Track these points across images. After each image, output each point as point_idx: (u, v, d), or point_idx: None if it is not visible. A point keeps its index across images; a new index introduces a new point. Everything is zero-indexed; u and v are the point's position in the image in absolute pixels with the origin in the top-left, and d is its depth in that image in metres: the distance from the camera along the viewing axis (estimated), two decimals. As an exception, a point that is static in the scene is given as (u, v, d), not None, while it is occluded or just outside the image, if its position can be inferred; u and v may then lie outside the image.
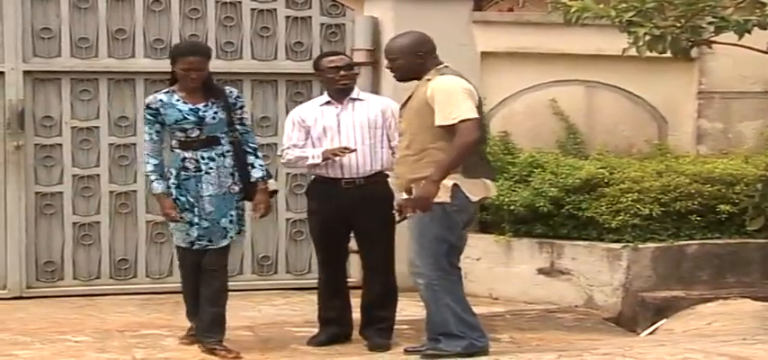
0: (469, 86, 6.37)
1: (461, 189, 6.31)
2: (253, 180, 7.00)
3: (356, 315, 7.42)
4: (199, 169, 6.86)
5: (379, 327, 7.29)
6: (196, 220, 6.85)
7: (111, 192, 9.17)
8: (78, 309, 8.61)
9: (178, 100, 6.86)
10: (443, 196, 6.29)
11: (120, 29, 9.13)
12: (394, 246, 7.33)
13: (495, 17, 9.73)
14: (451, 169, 6.30)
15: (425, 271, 6.39)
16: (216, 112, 6.86)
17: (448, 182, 6.28)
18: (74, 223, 9.13)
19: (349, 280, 7.65)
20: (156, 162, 6.92)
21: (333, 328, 7.39)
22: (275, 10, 9.39)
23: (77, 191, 9.13)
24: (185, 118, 6.82)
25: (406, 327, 7.72)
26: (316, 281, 7.58)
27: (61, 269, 9.13)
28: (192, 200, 6.86)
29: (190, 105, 6.84)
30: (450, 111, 6.25)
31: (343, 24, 9.50)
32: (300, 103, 8.61)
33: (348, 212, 7.17)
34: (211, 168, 6.86)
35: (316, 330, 7.43)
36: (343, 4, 9.51)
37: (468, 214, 6.46)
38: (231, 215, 6.94)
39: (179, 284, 9.09)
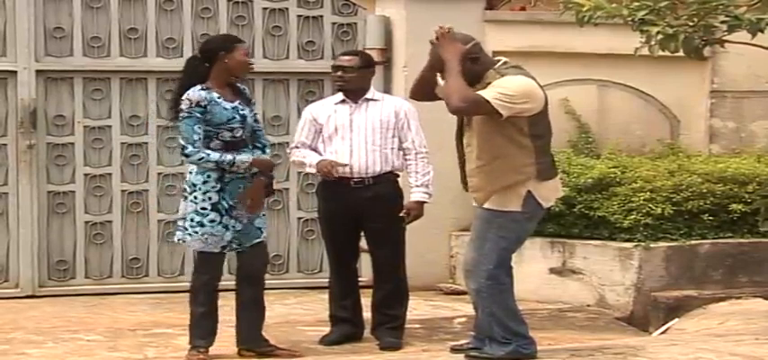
0: (528, 86, 6.11)
1: (535, 196, 6.15)
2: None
3: (368, 314, 7.42)
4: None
5: (390, 326, 7.29)
6: (232, 222, 6.71)
7: (123, 191, 9.19)
8: (90, 308, 8.62)
9: (219, 98, 6.67)
10: (514, 205, 6.14)
11: (132, 28, 9.15)
12: (404, 245, 7.33)
13: (508, 16, 9.72)
14: (449, 72, 6.10)
15: (478, 277, 6.25)
16: (252, 111, 6.85)
17: (521, 189, 6.13)
18: (86, 222, 9.15)
19: (360, 279, 7.65)
20: (216, 153, 6.60)
21: (344, 328, 7.39)
22: (287, 9, 9.39)
23: (89, 190, 9.15)
24: (233, 117, 6.68)
25: (417, 326, 7.73)
26: (327, 280, 7.59)
27: (73, 268, 9.15)
28: (231, 202, 6.69)
29: (232, 104, 6.70)
30: (496, 93, 5.98)
31: (355, 23, 9.50)
32: (312, 102, 8.63)
33: (357, 212, 7.18)
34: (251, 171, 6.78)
35: (327, 329, 7.43)
36: (354, 4, 9.51)
37: (538, 219, 6.34)
38: (260, 215, 6.91)
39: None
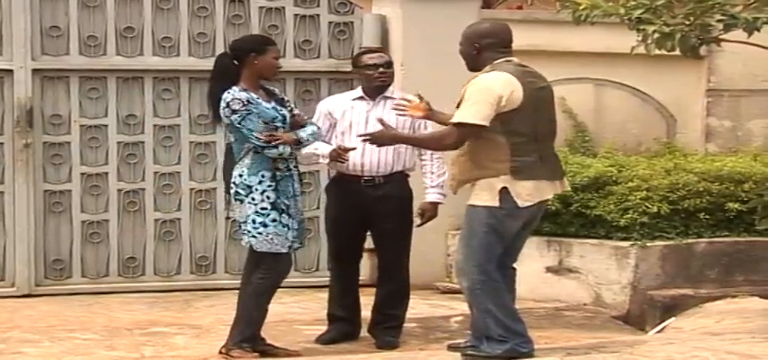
0: (501, 87, 6.11)
1: (510, 193, 6.14)
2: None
3: (364, 313, 7.41)
4: (288, 169, 6.74)
5: (389, 325, 7.29)
6: (291, 221, 6.72)
7: (119, 190, 9.18)
8: (87, 307, 8.61)
9: (259, 99, 6.69)
10: (491, 200, 6.15)
11: (129, 27, 9.14)
12: (410, 245, 7.32)
13: (504, 15, 9.69)
14: (412, 144, 6.64)
15: (469, 274, 6.27)
16: (289, 110, 6.87)
17: (497, 184, 6.13)
18: (82, 221, 9.14)
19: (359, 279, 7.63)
20: (278, 145, 6.65)
21: (341, 327, 7.37)
22: (283, 8, 9.39)
23: (86, 189, 9.14)
24: (277, 116, 6.71)
25: (414, 325, 7.73)
26: (324, 278, 7.58)
27: (70, 267, 9.13)
28: (287, 201, 6.71)
29: (270, 104, 6.73)
30: (459, 110, 6.16)
31: (352, 22, 9.50)
32: (308, 101, 8.64)
33: (366, 210, 7.15)
34: (295, 167, 6.82)
35: (325, 328, 7.42)
36: (351, 3, 9.51)
37: (522, 218, 6.26)
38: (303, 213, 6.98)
39: (187, 283, 9.21)
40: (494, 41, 6.37)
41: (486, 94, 6.11)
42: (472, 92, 6.15)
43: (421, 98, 6.80)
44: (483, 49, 6.34)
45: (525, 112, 6.16)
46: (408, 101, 6.84)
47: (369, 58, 7.28)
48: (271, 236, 6.67)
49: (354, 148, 7.03)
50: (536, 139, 6.25)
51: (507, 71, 6.21)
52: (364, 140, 6.68)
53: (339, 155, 7.02)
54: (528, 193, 6.19)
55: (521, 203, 6.17)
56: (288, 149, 6.67)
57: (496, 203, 6.15)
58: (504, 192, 6.14)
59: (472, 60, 6.38)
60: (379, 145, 6.74)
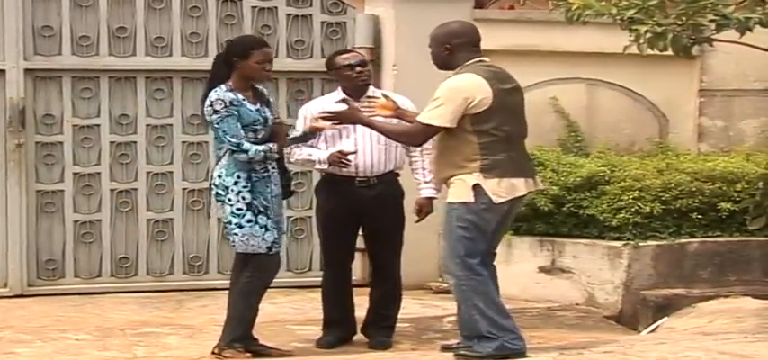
0: (469, 89, 6.21)
1: (483, 189, 6.21)
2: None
3: (358, 314, 7.40)
4: (266, 170, 6.71)
5: (382, 325, 7.27)
6: (271, 223, 6.70)
7: (111, 190, 9.17)
8: (79, 307, 8.60)
9: (244, 99, 6.67)
10: (466, 196, 6.22)
11: (121, 27, 9.13)
12: (402, 245, 7.31)
13: (497, 15, 9.73)
14: (379, 131, 6.64)
15: (454, 270, 6.32)
16: (272, 112, 6.85)
17: (470, 181, 6.21)
18: (75, 221, 9.13)
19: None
20: (260, 146, 6.61)
21: (338, 331, 7.32)
22: (276, 8, 9.38)
23: (78, 189, 9.13)
24: (257, 120, 6.69)
25: (407, 325, 7.72)
26: (316, 278, 7.56)
27: (62, 267, 9.13)
28: (265, 203, 6.69)
29: (255, 106, 6.71)
30: (427, 110, 6.29)
31: (344, 22, 9.50)
32: (301, 101, 8.62)
33: (359, 211, 7.12)
34: (274, 168, 6.78)
35: (317, 328, 7.40)
36: (343, 2, 9.50)
37: (498, 213, 6.31)
38: (283, 214, 6.97)
39: (180, 283, 9.21)
40: (464, 41, 6.46)
41: (454, 95, 6.23)
42: (441, 92, 6.27)
43: (387, 97, 6.92)
44: (454, 49, 6.43)
45: (495, 112, 6.24)
46: (376, 99, 6.89)
47: (343, 59, 7.21)
48: (246, 237, 6.66)
49: (355, 152, 7.00)
50: (507, 139, 6.31)
51: (477, 73, 6.30)
52: (327, 119, 6.76)
53: (340, 159, 6.99)
54: (502, 189, 6.27)
55: (495, 200, 6.25)
56: (261, 154, 6.63)
57: (472, 199, 6.23)
58: (478, 188, 6.22)
59: (443, 61, 6.48)
60: (341, 123, 6.79)
